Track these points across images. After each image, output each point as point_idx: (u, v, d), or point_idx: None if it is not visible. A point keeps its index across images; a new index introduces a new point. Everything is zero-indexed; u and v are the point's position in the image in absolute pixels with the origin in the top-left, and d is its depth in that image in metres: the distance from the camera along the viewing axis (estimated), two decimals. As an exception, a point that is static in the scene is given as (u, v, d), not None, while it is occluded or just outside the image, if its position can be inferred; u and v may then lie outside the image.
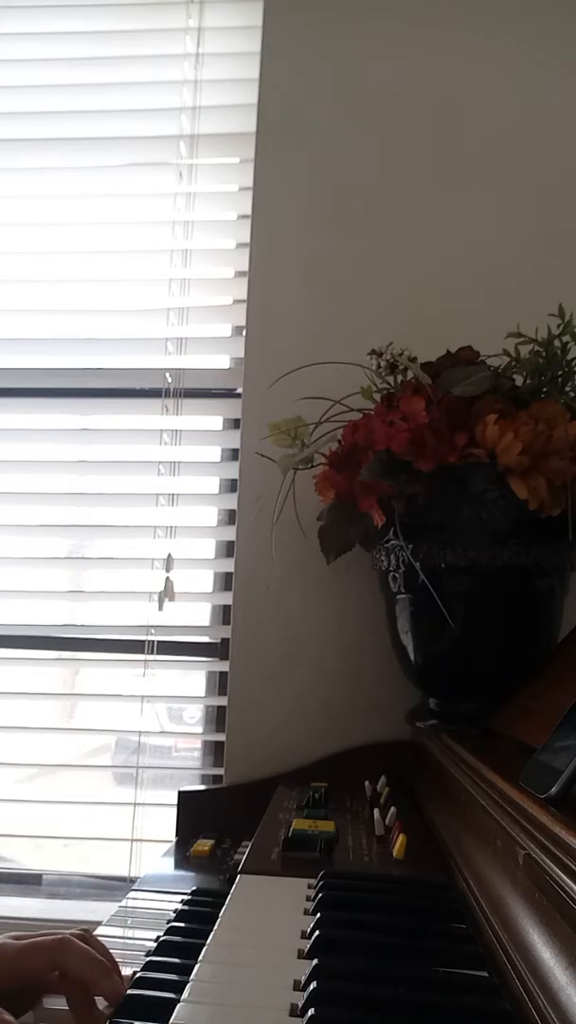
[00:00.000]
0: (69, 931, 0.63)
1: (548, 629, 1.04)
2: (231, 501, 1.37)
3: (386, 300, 1.32)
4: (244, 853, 0.84)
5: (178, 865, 1.03)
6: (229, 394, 1.44)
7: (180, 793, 1.20)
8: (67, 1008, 0.61)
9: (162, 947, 0.68)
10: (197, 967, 0.56)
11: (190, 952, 0.59)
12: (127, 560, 1.47)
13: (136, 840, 1.32)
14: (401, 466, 0.96)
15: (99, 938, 0.67)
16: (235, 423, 1.39)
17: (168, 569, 1.37)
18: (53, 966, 0.60)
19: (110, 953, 0.64)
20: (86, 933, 0.64)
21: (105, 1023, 0.57)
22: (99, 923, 0.80)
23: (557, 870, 0.49)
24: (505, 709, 0.97)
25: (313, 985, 0.51)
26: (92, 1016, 0.60)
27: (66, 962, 0.60)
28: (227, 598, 1.34)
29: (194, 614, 1.43)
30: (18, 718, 1.44)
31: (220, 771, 1.29)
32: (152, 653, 1.37)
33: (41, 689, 1.49)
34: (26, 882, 1.41)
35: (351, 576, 1.22)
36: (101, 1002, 0.61)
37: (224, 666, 1.32)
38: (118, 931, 0.79)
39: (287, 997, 0.51)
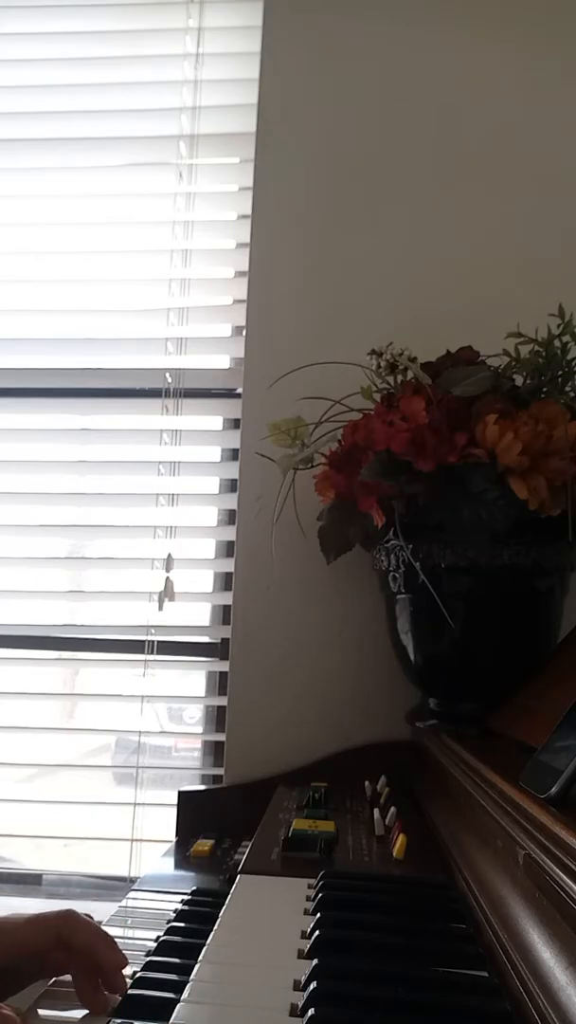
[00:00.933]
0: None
1: (548, 629, 1.04)
2: (231, 501, 1.37)
3: (386, 300, 1.32)
4: (244, 853, 0.84)
5: (178, 865, 1.03)
6: (229, 394, 1.44)
7: (180, 793, 1.20)
8: (69, 986, 0.61)
9: (162, 947, 0.68)
10: (197, 967, 0.56)
11: (190, 952, 0.59)
12: (127, 560, 1.47)
13: (136, 840, 1.32)
14: (401, 466, 0.96)
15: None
16: (235, 423, 1.39)
17: (168, 569, 1.37)
18: (58, 938, 0.60)
19: (109, 935, 0.64)
20: (86, 914, 0.64)
21: (109, 1007, 0.57)
22: (99, 923, 0.80)
23: (557, 870, 0.49)
24: (505, 709, 0.97)
25: (313, 985, 0.51)
26: (97, 997, 0.59)
27: (71, 934, 0.60)
28: (227, 598, 1.34)
29: (194, 614, 1.43)
30: (18, 718, 1.43)
31: (220, 771, 1.29)
32: (152, 653, 1.37)
33: (41, 689, 1.49)
34: (26, 882, 1.41)
35: (351, 576, 1.22)
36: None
37: (224, 666, 1.32)
38: (118, 931, 0.78)
39: (287, 997, 0.51)
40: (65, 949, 0.60)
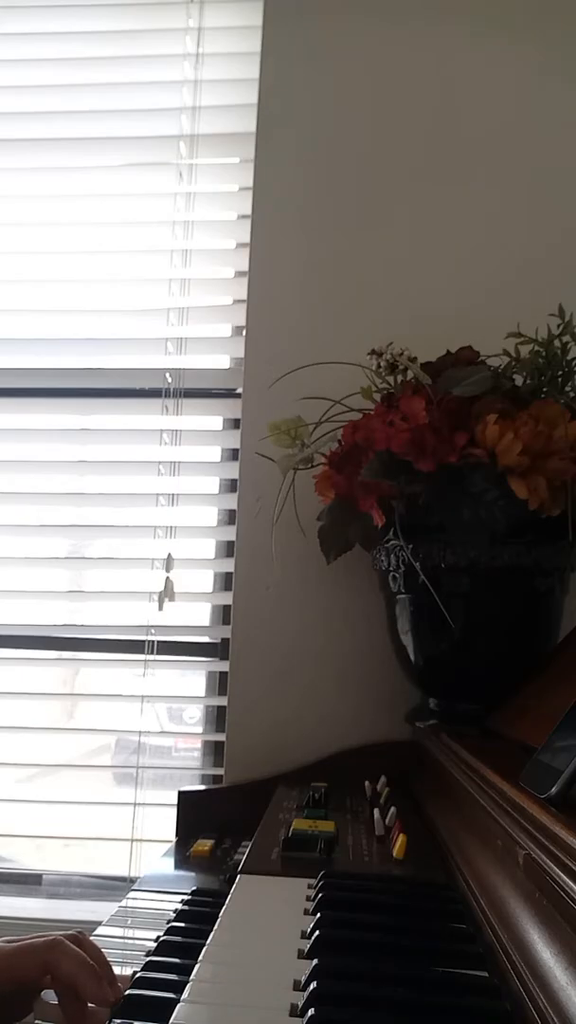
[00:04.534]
0: (62, 933, 0.63)
1: (548, 629, 1.04)
2: (231, 501, 1.37)
3: (386, 300, 1.32)
4: (244, 853, 0.84)
5: (178, 865, 1.03)
6: (229, 394, 1.44)
7: (180, 793, 1.20)
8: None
9: (162, 947, 0.68)
10: (197, 967, 0.56)
11: (190, 952, 0.59)
12: (127, 560, 1.47)
13: (136, 840, 1.32)
14: (401, 466, 0.96)
15: (98, 938, 0.67)
16: (235, 423, 1.39)
17: (168, 569, 1.37)
18: (45, 967, 0.60)
19: (103, 955, 0.64)
20: (80, 935, 0.64)
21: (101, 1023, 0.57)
22: (99, 923, 0.80)
23: (557, 870, 0.49)
24: (505, 709, 0.97)
25: (313, 985, 0.51)
26: (83, 1017, 0.60)
27: (56, 964, 0.60)
28: (227, 598, 1.34)
29: (194, 614, 1.43)
30: (18, 718, 1.44)
31: (220, 771, 1.29)
32: (152, 653, 1.37)
33: (41, 689, 1.49)
34: (26, 882, 1.41)
35: (351, 576, 1.22)
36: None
37: (224, 666, 1.32)
38: (118, 931, 0.79)
39: (287, 997, 0.51)
40: (52, 977, 0.61)
